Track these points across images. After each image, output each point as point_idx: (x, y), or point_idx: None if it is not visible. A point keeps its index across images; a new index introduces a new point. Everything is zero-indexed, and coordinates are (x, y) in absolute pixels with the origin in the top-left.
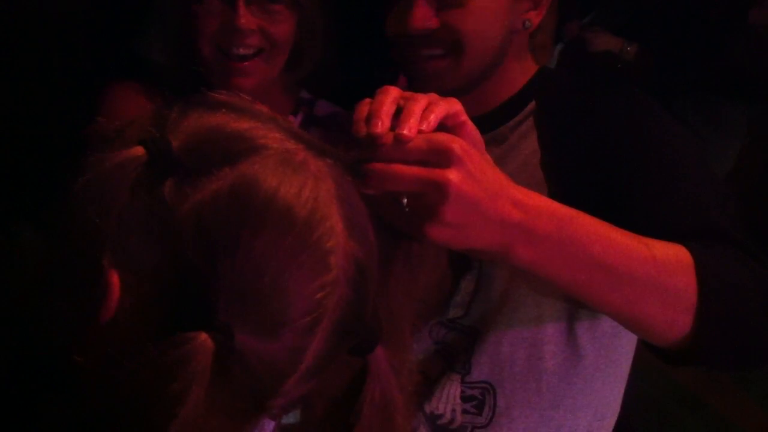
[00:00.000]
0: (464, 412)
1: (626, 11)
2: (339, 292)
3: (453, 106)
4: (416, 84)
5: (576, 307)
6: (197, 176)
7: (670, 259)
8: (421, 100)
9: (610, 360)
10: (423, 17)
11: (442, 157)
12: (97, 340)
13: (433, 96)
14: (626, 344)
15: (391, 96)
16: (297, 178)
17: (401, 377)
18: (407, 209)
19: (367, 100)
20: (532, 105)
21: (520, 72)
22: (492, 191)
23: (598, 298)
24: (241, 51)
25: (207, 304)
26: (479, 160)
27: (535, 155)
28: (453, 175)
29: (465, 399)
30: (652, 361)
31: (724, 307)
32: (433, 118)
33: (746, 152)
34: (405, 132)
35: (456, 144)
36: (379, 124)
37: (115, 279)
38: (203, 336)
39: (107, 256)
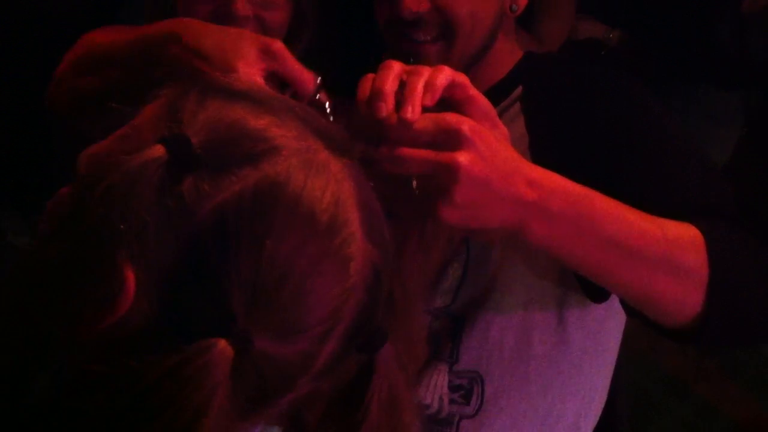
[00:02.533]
0: (452, 401)
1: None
2: (356, 298)
3: (458, 76)
4: None
5: (565, 293)
6: (218, 175)
7: (681, 237)
8: (424, 74)
9: (598, 346)
10: (415, 1)
11: (451, 139)
12: (109, 342)
13: (439, 67)
14: (614, 330)
15: (393, 72)
16: (319, 181)
17: (408, 372)
18: (417, 191)
19: (370, 76)
20: (519, 90)
21: (508, 56)
22: (504, 171)
23: (610, 277)
24: None
25: (226, 309)
26: (490, 139)
27: (523, 140)
28: (463, 157)
29: (452, 388)
30: (640, 348)
31: (734, 283)
32: (436, 90)
33: (743, 142)
34: (408, 115)
35: (465, 125)
36: (383, 106)
37: (130, 276)
38: (223, 343)
39: (123, 254)
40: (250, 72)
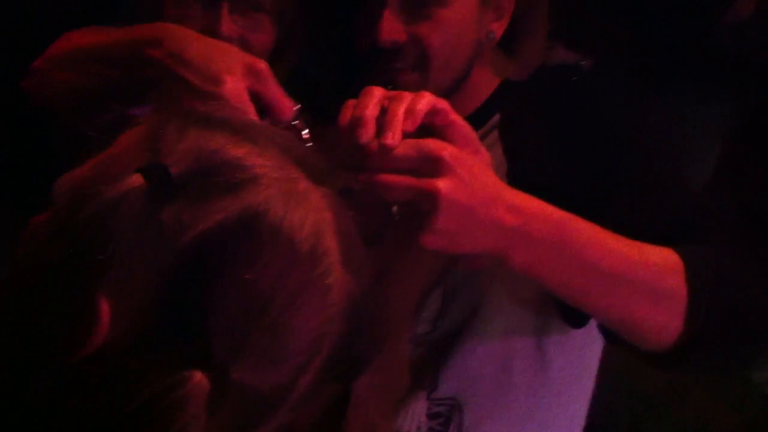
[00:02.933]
0: (430, 429)
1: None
2: (334, 328)
3: (439, 102)
4: None
5: (544, 321)
6: (197, 205)
7: (662, 262)
8: (405, 99)
9: (578, 374)
10: (391, 30)
11: (432, 165)
12: (83, 374)
13: (420, 93)
14: (593, 358)
15: (374, 98)
16: (299, 211)
17: (387, 401)
18: (398, 217)
19: (351, 102)
20: (496, 118)
21: (485, 85)
22: (485, 197)
23: (591, 302)
24: None
25: (203, 341)
26: (471, 165)
27: (501, 168)
28: (444, 184)
29: (431, 416)
30: (621, 370)
31: (713, 309)
32: (417, 116)
33: (726, 153)
34: (389, 141)
35: (446, 151)
36: (363, 132)
37: (105, 307)
38: (199, 376)
39: (99, 284)
40: (238, 87)
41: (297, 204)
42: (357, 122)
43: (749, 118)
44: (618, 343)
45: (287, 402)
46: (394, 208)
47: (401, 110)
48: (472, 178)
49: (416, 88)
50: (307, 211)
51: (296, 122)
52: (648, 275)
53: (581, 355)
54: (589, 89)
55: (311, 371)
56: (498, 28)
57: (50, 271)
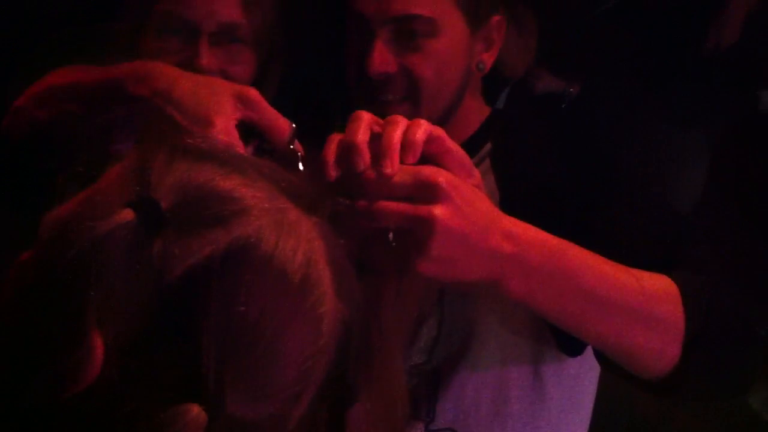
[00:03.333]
0: None
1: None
2: (327, 357)
3: (435, 129)
4: None
5: (540, 349)
6: (188, 238)
7: (657, 289)
8: (400, 124)
9: (575, 402)
10: (382, 62)
11: (428, 192)
12: (77, 409)
13: (416, 121)
14: (589, 385)
15: (363, 123)
16: (290, 241)
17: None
18: (393, 244)
19: (336, 136)
20: (488, 147)
21: (476, 114)
22: (481, 225)
23: (589, 330)
24: None
25: (197, 374)
26: (467, 192)
27: (494, 196)
28: (439, 211)
29: None
30: (611, 395)
31: (709, 336)
32: (417, 148)
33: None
34: (387, 171)
35: (442, 178)
36: (360, 161)
37: (99, 343)
38: (196, 409)
39: (91, 320)
40: (228, 126)
41: (288, 234)
42: (350, 149)
43: (718, 158)
44: (614, 371)
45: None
46: (390, 235)
47: (397, 136)
48: (468, 205)
49: (408, 118)
50: (298, 241)
51: (293, 145)
52: (644, 302)
53: (578, 382)
54: (576, 118)
55: (304, 401)
56: (488, 59)
57: (41, 308)
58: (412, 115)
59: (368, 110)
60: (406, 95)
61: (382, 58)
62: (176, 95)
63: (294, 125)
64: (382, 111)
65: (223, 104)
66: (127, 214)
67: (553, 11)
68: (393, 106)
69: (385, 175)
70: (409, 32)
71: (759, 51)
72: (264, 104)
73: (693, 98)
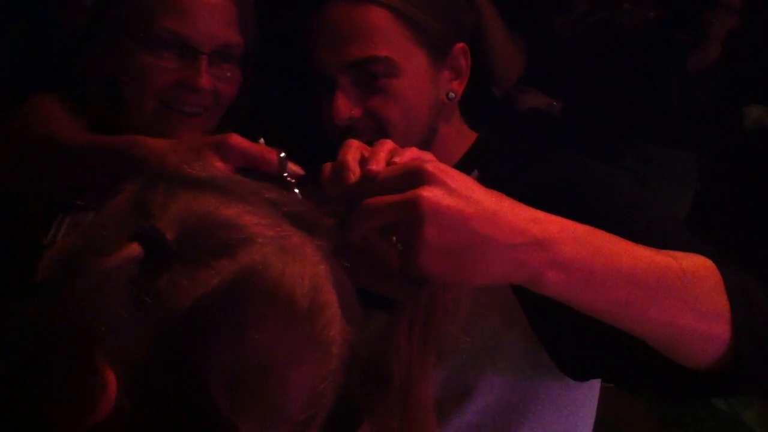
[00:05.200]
0: None
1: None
2: (337, 380)
3: (425, 154)
4: None
5: (543, 374)
6: (194, 268)
7: (697, 267)
8: (388, 143)
9: (577, 425)
10: (345, 108)
11: (414, 179)
12: None
13: (407, 148)
14: (589, 410)
15: (353, 147)
16: (297, 267)
17: None
18: (400, 247)
19: (328, 164)
20: (475, 174)
21: (457, 141)
22: (487, 209)
23: (634, 318)
24: (191, 109)
25: (210, 403)
26: (461, 178)
27: None
28: (425, 192)
29: None
30: (605, 416)
31: (756, 312)
32: (407, 155)
33: (699, 199)
34: (372, 166)
35: (429, 164)
36: (350, 175)
37: (111, 377)
38: None
39: (102, 355)
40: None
41: (294, 260)
42: (341, 167)
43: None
44: (633, 388)
45: None
46: (393, 238)
47: (386, 147)
48: (466, 189)
49: None
50: (303, 266)
51: (286, 173)
52: (686, 282)
53: (579, 406)
54: (564, 140)
55: (316, 426)
56: (458, 87)
57: (51, 346)
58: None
59: None
60: (375, 137)
61: (344, 105)
62: (168, 164)
63: (282, 153)
64: None
65: (208, 161)
66: (134, 248)
67: (537, 29)
68: None
69: (370, 173)
70: (370, 75)
71: (742, 68)
72: (244, 146)
73: (680, 117)
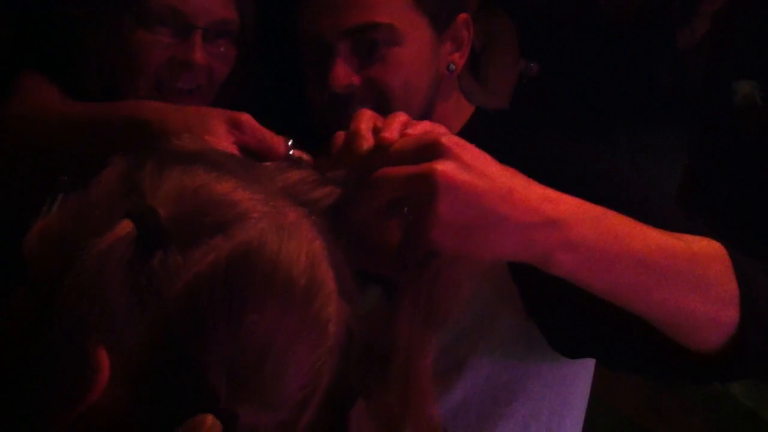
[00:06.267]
0: None
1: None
2: (334, 360)
3: (438, 126)
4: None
5: (533, 351)
6: (189, 247)
7: (707, 251)
8: (401, 115)
9: (568, 404)
10: (343, 76)
11: (429, 152)
12: (88, 427)
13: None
14: (583, 388)
15: (367, 115)
16: (293, 243)
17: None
18: (410, 218)
19: (341, 132)
20: None
21: (454, 115)
22: (501, 186)
23: (642, 299)
24: (186, 86)
25: (207, 387)
26: (477, 153)
27: None
28: (440, 166)
29: None
30: (597, 391)
31: (764, 297)
32: (420, 127)
33: (687, 176)
34: (386, 134)
35: (444, 137)
36: (364, 142)
37: (104, 360)
38: (210, 419)
39: (96, 339)
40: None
41: (289, 236)
42: (354, 135)
43: (696, 154)
44: (631, 370)
45: None
46: (405, 210)
47: (399, 118)
48: (481, 164)
49: None
50: (300, 243)
51: (292, 152)
52: (695, 265)
53: (571, 384)
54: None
55: (313, 406)
56: (459, 59)
57: (44, 330)
58: None
59: (336, 129)
60: (374, 108)
61: (344, 71)
62: (171, 128)
63: (290, 140)
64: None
65: (216, 129)
66: (126, 226)
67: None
68: None
69: (385, 141)
70: (370, 42)
71: (731, 44)
72: (257, 127)
73: (669, 94)
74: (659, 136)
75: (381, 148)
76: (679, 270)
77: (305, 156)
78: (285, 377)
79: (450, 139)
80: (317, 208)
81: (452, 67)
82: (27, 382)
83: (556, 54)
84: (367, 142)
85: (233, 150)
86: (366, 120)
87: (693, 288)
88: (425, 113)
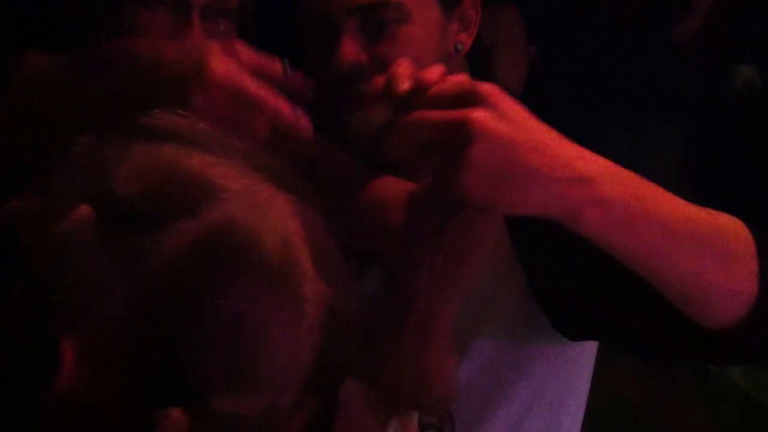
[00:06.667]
0: None
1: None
2: (312, 341)
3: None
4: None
5: (537, 333)
6: (154, 229)
7: (729, 224)
8: (439, 66)
9: (570, 387)
10: (351, 53)
11: (467, 99)
12: (53, 417)
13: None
14: (586, 368)
15: (405, 62)
16: (265, 223)
17: (377, 409)
18: (441, 165)
19: (379, 77)
20: None
21: None
22: (537, 140)
23: (666, 267)
24: None
25: (175, 375)
26: (515, 105)
27: None
28: (478, 113)
29: (423, 426)
30: (596, 375)
31: None
32: (459, 76)
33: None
34: (427, 76)
35: (485, 86)
36: (403, 82)
37: (67, 348)
38: (176, 414)
39: (59, 324)
40: (227, 65)
41: (261, 216)
42: (393, 77)
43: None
44: (625, 351)
45: (272, 423)
46: (436, 158)
47: (437, 69)
48: (516, 114)
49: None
50: (272, 222)
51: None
52: (720, 237)
53: (574, 366)
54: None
55: (293, 390)
56: (466, 39)
57: (4, 320)
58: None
59: (341, 109)
60: None
61: (351, 48)
62: (164, 60)
63: (284, 59)
64: (356, 108)
65: (212, 51)
66: (84, 210)
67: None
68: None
69: (425, 81)
70: (379, 20)
71: (730, 30)
72: (248, 50)
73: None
74: (658, 134)
75: (419, 91)
76: (703, 239)
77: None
78: (259, 359)
79: (489, 89)
80: (296, 188)
81: (459, 47)
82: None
83: (554, 51)
84: (406, 83)
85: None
86: (404, 66)
87: (714, 258)
88: None
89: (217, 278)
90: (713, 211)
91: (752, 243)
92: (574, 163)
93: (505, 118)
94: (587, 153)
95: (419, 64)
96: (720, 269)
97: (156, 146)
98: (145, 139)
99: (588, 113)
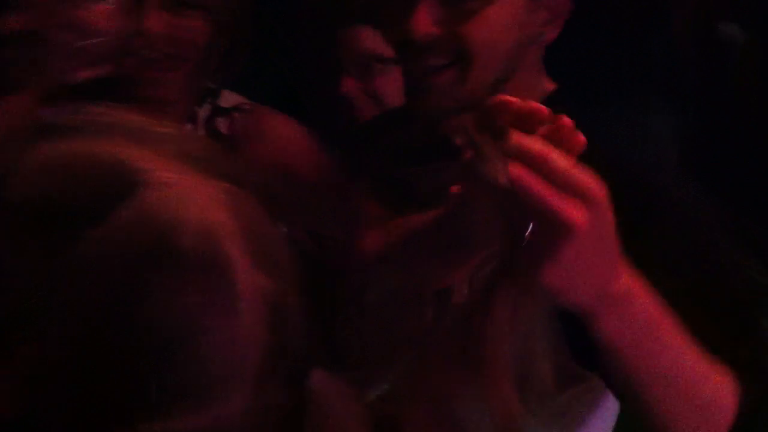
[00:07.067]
0: None
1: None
2: (258, 337)
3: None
4: (414, 101)
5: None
6: (58, 231)
7: (722, 384)
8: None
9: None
10: (426, 22)
11: (585, 195)
12: None
13: None
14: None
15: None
16: (182, 216)
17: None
18: (528, 241)
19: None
20: None
21: (533, 90)
22: (609, 250)
23: (641, 398)
24: (149, 54)
25: (110, 401)
26: (608, 210)
27: None
28: (580, 216)
29: None
30: None
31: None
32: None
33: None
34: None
35: (598, 186)
36: (542, 118)
37: None
38: None
39: None
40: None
41: (181, 207)
42: (539, 110)
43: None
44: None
45: (240, 426)
46: (529, 230)
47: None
48: (606, 223)
49: (452, 87)
50: (191, 213)
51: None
52: (711, 395)
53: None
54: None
55: (244, 390)
56: (551, 31)
57: None
58: (459, 83)
59: (408, 79)
60: (453, 61)
61: (427, 18)
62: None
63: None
64: (423, 80)
65: None
66: None
67: None
68: (438, 72)
69: (564, 124)
70: None
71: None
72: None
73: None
74: (655, 125)
75: (554, 137)
76: (691, 394)
77: None
78: (197, 366)
79: (601, 192)
80: (228, 176)
81: (542, 37)
82: None
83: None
84: (545, 121)
85: None
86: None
87: (698, 412)
88: (502, 80)
89: (135, 281)
90: (710, 364)
91: (735, 401)
92: (628, 279)
93: (600, 224)
94: (636, 274)
95: (496, 46)
96: (700, 421)
97: (65, 141)
98: (54, 136)
99: (587, 107)
